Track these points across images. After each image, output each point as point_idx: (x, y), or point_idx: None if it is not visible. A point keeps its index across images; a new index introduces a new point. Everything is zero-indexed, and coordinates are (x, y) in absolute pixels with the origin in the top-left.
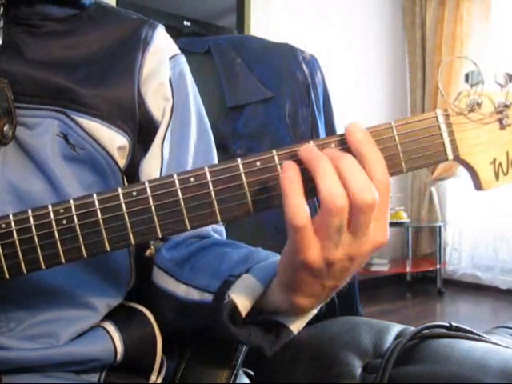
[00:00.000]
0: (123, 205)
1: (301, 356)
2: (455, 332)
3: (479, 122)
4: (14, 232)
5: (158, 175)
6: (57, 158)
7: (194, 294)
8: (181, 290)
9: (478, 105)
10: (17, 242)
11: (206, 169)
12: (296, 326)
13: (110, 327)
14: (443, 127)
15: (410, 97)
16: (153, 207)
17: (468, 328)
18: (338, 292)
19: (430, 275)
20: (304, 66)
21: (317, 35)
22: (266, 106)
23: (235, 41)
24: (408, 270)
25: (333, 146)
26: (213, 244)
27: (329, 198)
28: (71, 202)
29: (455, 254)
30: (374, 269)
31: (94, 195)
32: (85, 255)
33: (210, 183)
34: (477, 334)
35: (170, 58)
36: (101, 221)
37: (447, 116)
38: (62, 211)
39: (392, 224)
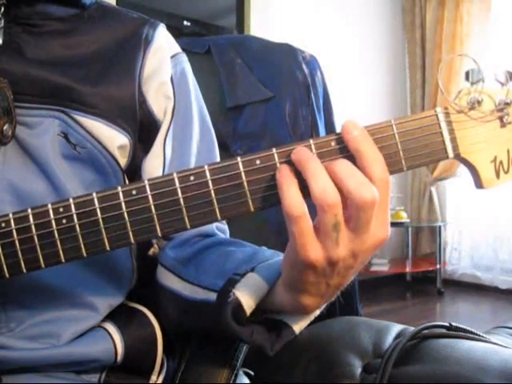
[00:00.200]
0: (123, 203)
1: (301, 356)
2: (455, 332)
3: (480, 120)
4: (14, 231)
5: (160, 174)
6: (57, 158)
7: (199, 293)
8: (185, 288)
9: (479, 103)
10: (16, 241)
11: (206, 167)
12: (299, 326)
13: (111, 327)
14: (443, 125)
15: (410, 97)
16: (152, 206)
17: (468, 328)
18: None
19: (430, 275)
20: (304, 66)
21: (317, 35)
22: (266, 106)
23: (235, 41)
24: (408, 269)
25: (332, 144)
26: (217, 243)
27: (319, 195)
28: (71, 200)
29: (455, 254)
30: (373, 269)
31: (94, 194)
32: (84, 254)
33: (210, 182)
34: (477, 334)
35: (172, 57)
36: (100, 220)
37: (447, 114)
38: (61, 210)
39: (392, 224)
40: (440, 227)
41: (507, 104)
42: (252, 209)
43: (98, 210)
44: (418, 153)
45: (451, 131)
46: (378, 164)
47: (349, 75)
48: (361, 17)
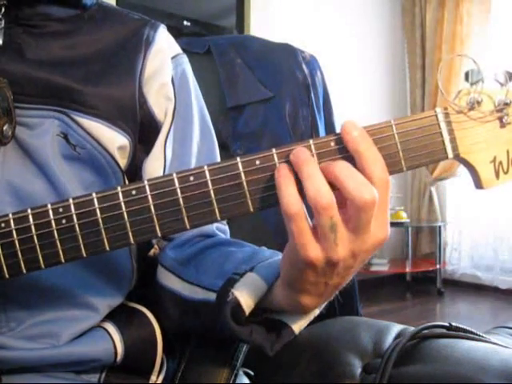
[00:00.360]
0: (122, 204)
1: (300, 356)
2: (455, 332)
3: (479, 121)
4: (14, 231)
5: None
6: (57, 158)
7: (199, 293)
8: (185, 288)
9: (478, 103)
10: (16, 241)
11: (206, 167)
12: (298, 326)
13: (111, 328)
14: (443, 125)
15: (410, 96)
16: (152, 206)
17: (468, 328)
18: (338, 292)
19: (430, 275)
20: (304, 66)
21: (317, 35)
22: (266, 106)
23: (235, 41)
24: (408, 269)
25: (332, 144)
26: (217, 243)
27: (313, 197)
28: (70, 200)
29: (455, 254)
30: (373, 269)
31: (93, 194)
32: (84, 254)
33: (210, 182)
34: (477, 334)
35: (172, 58)
36: (100, 220)
37: (447, 114)
38: (61, 210)
39: (392, 224)
40: (440, 227)
41: (507, 104)
42: (252, 209)
43: (98, 211)
44: (417, 153)
45: (451, 131)
46: (378, 164)
47: (349, 75)
48: (361, 17)
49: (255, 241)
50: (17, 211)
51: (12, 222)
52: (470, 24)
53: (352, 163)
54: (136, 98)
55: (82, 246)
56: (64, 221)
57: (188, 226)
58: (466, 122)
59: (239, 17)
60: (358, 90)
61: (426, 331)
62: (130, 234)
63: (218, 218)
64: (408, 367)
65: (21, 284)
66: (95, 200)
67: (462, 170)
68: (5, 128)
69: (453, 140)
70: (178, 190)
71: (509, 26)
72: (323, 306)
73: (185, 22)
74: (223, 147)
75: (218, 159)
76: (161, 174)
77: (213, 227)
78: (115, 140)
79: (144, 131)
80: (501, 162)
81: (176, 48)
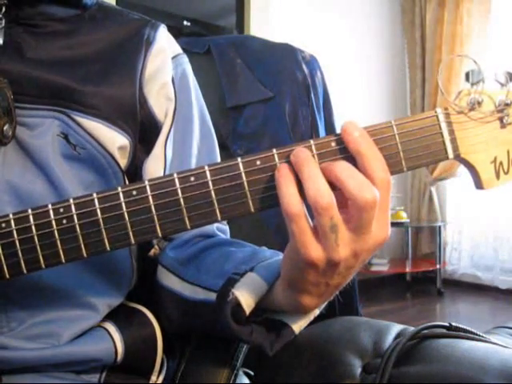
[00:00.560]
0: (123, 204)
1: (300, 356)
2: (455, 332)
3: (480, 121)
4: (14, 231)
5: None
6: (57, 158)
7: (199, 293)
8: (186, 289)
9: (479, 103)
10: (17, 241)
11: (206, 168)
12: (298, 326)
13: (111, 327)
14: (443, 126)
15: (410, 96)
16: (153, 206)
17: (468, 328)
18: (338, 292)
19: (430, 275)
20: (304, 66)
21: (317, 35)
22: (266, 106)
23: (235, 41)
24: (408, 269)
25: (333, 144)
26: (218, 243)
27: (314, 197)
28: (71, 201)
29: (455, 254)
30: (373, 269)
31: (94, 194)
32: (85, 255)
33: (210, 182)
34: (477, 334)
35: (173, 58)
36: (101, 220)
37: (447, 115)
38: (61, 210)
39: (392, 224)
40: (440, 227)
41: (507, 105)
42: (252, 209)
43: (99, 211)
44: (418, 153)
45: (451, 132)
46: (379, 164)
47: (349, 75)
48: (360, 17)
49: (255, 241)
50: (17, 211)
51: (12, 222)
52: (470, 24)
53: (352, 163)
54: (136, 98)
55: (82, 246)
56: (65, 221)
57: (189, 227)
58: (467, 122)
59: (239, 17)
60: (358, 90)
61: (425, 331)
62: (131, 234)
63: (219, 219)
64: (408, 367)
65: (21, 284)
66: (96, 200)
67: (462, 170)
68: (5, 128)
69: (453, 140)
70: (179, 191)
71: (509, 26)
72: (323, 306)
73: (185, 22)
74: (223, 147)
75: (219, 159)
76: (161, 174)
77: (213, 227)
78: (115, 140)
79: (144, 131)
80: (501, 163)
81: (176, 48)
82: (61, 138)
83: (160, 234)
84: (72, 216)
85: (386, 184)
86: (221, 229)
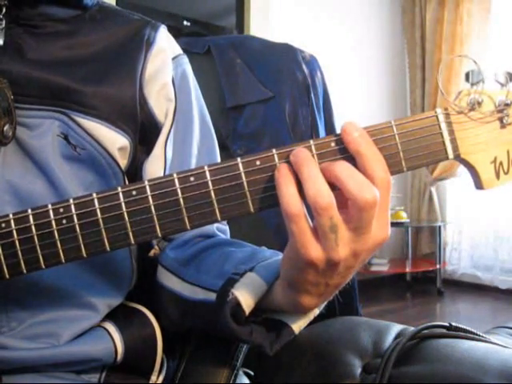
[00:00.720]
0: (123, 204)
1: (300, 356)
2: (455, 332)
3: (480, 121)
4: (14, 231)
5: None
6: (57, 159)
7: (199, 293)
8: (185, 289)
9: (479, 104)
10: (16, 241)
11: (206, 168)
12: (298, 326)
13: (111, 327)
14: (443, 126)
15: (410, 96)
16: (152, 206)
17: (468, 328)
18: (338, 292)
19: (430, 275)
20: (304, 66)
21: (316, 35)
22: (266, 106)
23: (235, 41)
24: (408, 269)
25: (332, 144)
26: (217, 243)
27: (313, 197)
28: (71, 201)
29: (455, 254)
30: (373, 269)
31: (94, 194)
32: (84, 255)
33: (210, 182)
34: (477, 334)
35: (173, 59)
36: (100, 220)
37: (447, 115)
38: (61, 210)
39: (392, 224)
40: (440, 227)
41: (507, 105)
42: (252, 209)
43: (98, 211)
44: (418, 154)
45: (451, 132)
46: (379, 164)
47: (349, 75)
48: (360, 17)
49: (255, 241)
50: (17, 211)
51: (12, 222)
52: (470, 24)
53: (352, 164)
54: (136, 98)
55: (82, 246)
56: (64, 221)
57: (188, 227)
58: (467, 122)
59: (239, 17)
60: (358, 90)
61: (425, 331)
62: (131, 234)
63: (219, 219)
64: (408, 367)
65: (21, 284)
66: (96, 200)
67: (462, 170)
68: (5, 128)
69: (453, 141)
70: (179, 191)
71: (509, 26)
72: (323, 306)
73: (185, 22)
74: (223, 147)
75: (218, 159)
76: (161, 174)
77: (213, 227)
78: (115, 141)
79: (144, 132)
80: (501, 163)
81: (176, 48)
82: (61, 138)
83: (160, 234)
84: (72, 216)
85: (385, 184)
86: (221, 229)
